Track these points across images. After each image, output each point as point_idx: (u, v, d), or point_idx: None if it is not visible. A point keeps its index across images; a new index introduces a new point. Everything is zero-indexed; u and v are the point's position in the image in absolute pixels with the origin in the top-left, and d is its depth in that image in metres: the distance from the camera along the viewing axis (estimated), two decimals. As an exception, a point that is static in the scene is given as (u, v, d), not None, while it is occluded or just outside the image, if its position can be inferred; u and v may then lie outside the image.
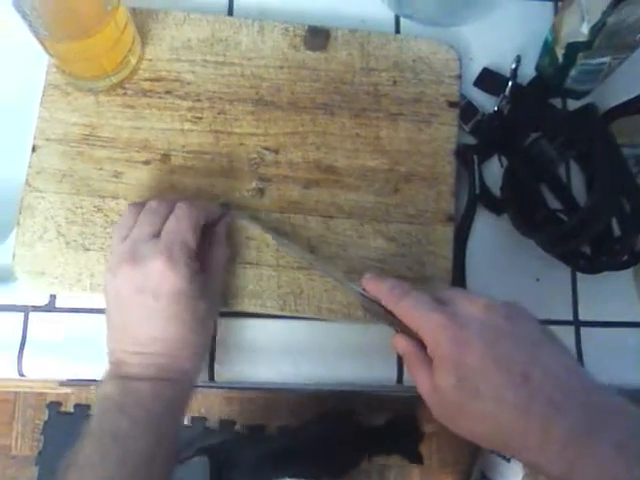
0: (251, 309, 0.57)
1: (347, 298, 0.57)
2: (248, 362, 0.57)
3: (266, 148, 0.59)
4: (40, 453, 1.42)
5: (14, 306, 0.58)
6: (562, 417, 0.39)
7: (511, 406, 0.40)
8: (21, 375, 0.57)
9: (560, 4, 0.66)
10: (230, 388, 1.33)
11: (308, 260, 0.56)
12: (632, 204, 0.54)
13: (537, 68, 0.65)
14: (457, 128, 0.61)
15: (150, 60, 0.61)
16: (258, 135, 0.60)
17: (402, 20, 0.66)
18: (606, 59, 0.57)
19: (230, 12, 0.65)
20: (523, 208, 0.59)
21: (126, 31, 0.56)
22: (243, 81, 0.61)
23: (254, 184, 0.59)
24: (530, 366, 0.41)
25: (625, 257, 0.56)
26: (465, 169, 0.61)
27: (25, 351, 0.57)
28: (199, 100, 0.60)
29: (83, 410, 1.41)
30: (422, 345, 0.45)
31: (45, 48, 0.55)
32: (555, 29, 0.59)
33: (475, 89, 0.64)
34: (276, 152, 0.59)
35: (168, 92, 0.60)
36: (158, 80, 0.61)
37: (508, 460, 1.33)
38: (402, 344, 0.47)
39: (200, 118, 0.60)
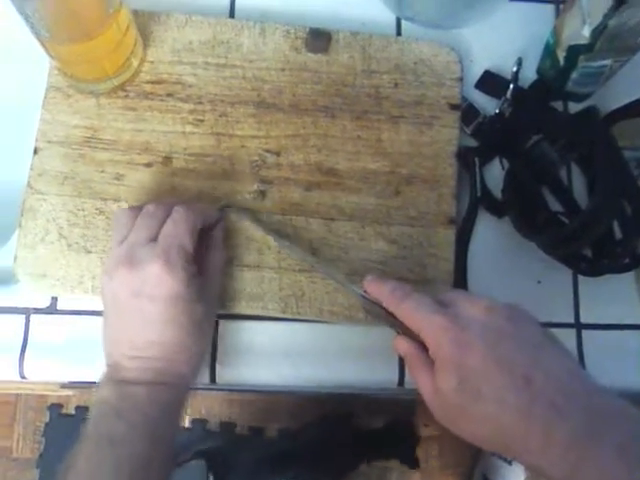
0: (252, 311, 0.57)
1: (348, 300, 0.57)
2: (249, 364, 0.57)
3: (267, 150, 0.59)
4: (41, 455, 1.42)
5: (15, 308, 0.58)
6: (564, 420, 0.39)
7: (513, 409, 0.40)
8: (22, 377, 0.57)
9: (561, 7, 0.66)
10: (231, 390, 1.33)
11: (310, 262, 0.56)
12: (633, 207, 0.54)
13: (538, 71, 0.65)
14: (458, 130, 0.61)
15: (152, 62, 0.61)
16: (259, 137, 0.60)
17: (403, 22, 0.66)
18: (607, 62, 0.57)
19: (232, 14, 0.65)
20: (524, 210, 0.59)
21: (128, 33, 0.56)
22: (244, 83, 0.61)
23: (255, 186, 0.59)
24: (532, 369, 0.41)
25: (626, 260, 0.56)
26: (466, 171, 0.61)
27: (26, 353, 0.57)
28: (200, 102, 0.60)
29: (84, 412, 1.41)
30: (424, 347, 0.45)
31: (47, 50, 0.55)
32: (556, 32, 0.59)
33: (476, 91, 0.64)
34: (277, 154, 0.59)
35: (170, 94, 0.60)
36: (160, 82, 0.61)
37: (509, 463, 1.33)
38: (404, 346, 0.47)
39: (202, 121, 0.60)
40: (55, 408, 1.44)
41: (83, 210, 0.58)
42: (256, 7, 0.65)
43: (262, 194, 0.59)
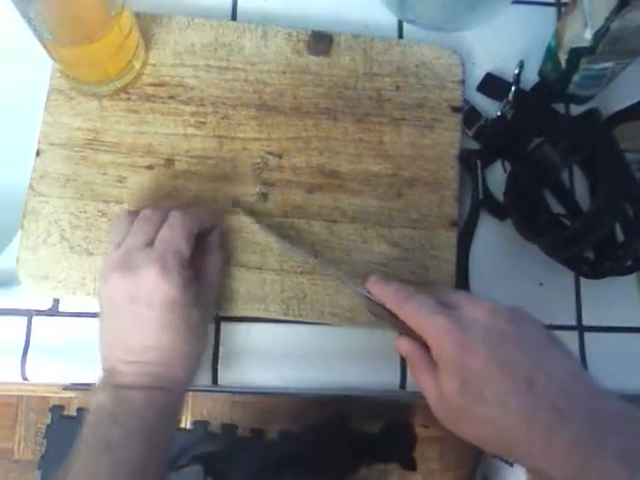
0: (254, 313, 0.57)
1: (350, 303, 0.57)
2: (251, 366, 0.57)
3: (269, 153, 0.60)
4: (43, 457, 1.42)
5: (18, 310, 0.58)
6: (566, 424, 0.39)
7: (515, 412, 0.40)
8: (24, 379, 0.57)
9: (563, 9, 0.66)
10: (232, 392, 1.33)
11: (313, 264, 0.56)
12: (635, 209, 0.54)
13: (540, 73, 0.65)
14: (460, 133, 0.61)
15: (154, 65, 0.61)
16: (261, 140, 0.60)
17: (405, 25, 0.66)
18: (609, 64, 0.57)
19: (234, 17, 0.65)
20: (526, 213, 0.59)
21: (130, 36, 0.56)
22: (246, 86, 0.61)
23: (258, 189, 0.59)
24: (535, 372, 0.41)
25: (629, 262, 0.56)
26: (468, 174, 0.61)
27: (28, 355, 0.57)
28: (202, 105, 0.60)
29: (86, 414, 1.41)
30: (426, 348, 0.45)
31: (49, 53, 0.55)
32: (558, 34, 0.59)
33: (478, 94, 0.64)
34: (279, 157, 0.60)
35: (172, 97, 0.60)
36: (162, 85, 0.61)
37: (511, 465, 1.33)
38: (406, 347, 0.47)
39: (203, 123, 0.60)
40: (57, 410, 1.44)
41: (85, 212, 0.58)
42: (258, 10, 0.65)
43: (264, 196, 0.59)
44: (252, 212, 0.58)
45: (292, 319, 0.57)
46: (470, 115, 0.62)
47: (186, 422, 1.43)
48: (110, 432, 0.47)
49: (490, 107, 0.63)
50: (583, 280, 0.61)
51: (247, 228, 0.58)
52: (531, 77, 0.64)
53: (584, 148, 0.60)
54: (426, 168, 0.60)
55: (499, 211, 0.61)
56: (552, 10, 0.68)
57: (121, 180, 0.58)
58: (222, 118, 0.60)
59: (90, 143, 0.59)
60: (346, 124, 0.61)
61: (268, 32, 0.62)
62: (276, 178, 0.59)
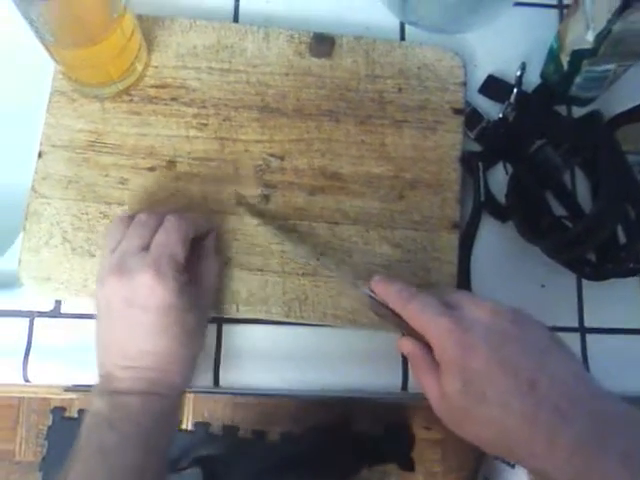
0: (256, 315, 0.57)
1: (352, 304, 0.57)
2: (253, 368, 0.57)
3: (271, 155, 0.60)
4: (44, 458, 1.43)
5: (19, 312, 0.58)
6: (569, 425, 0.39)
7: (517, 413, 0.40)
8: (26, 381, 0.57)
9: (565, 11, 0.66)
10: (234, 394, 1.33)
11: (315, 265, 0.56)
12: (637, 211, 0.54)
13: (542, 75, 0.65)
14: (462, 135, 0.61)
15: (156, 67, 0.61)
16: (263, 142, 0.60)
17: (407, 27, 0.66)
18: (611, 66, 0.57)
19: (236, 19, 0.65)
20: (528, 215, 0.59)
21: (132, 38, 0.56)
22: (248, 88, 0.61)
23: (259, 191, 0.59)
24: (537, 373, 0.41)
25: (631, 264, 0.56)
26: (470, 176, 0.61)
27: (30, 357, 0.57)
28: (204, 107, 0.60)
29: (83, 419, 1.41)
30: (429, 348, 0.45)
31: (51, 55, 0.55)
32: (560, 36, 0.60)
33: (480, 96, 0.64)
34: (281, 159, 0.60)
35: (174, 99, 0.60)
36: (164, 87, 0.61)
37: (512, 466, 1.33)
38: (408, 346, 0.47)
39: (205, 125, 0.60)
40: (58, 411, 1.44)
41: (87, 214, 0.58)
42: (260, 12, 0.65)
43: (266, 198, 0.59)
44: (255, 210, 0.58)
45: (294, 321, 0.57)
46: (472, 117, 0.62)
47: (187, 423, 1.43)
48: (107, 438, 0.47)
49: (492, 109, 0.63)
50: (585, 282, 0.61)
51: (249, 230, 0.58)
52: (533, 79, 0.64)
53: (586, 150, 0.60)
54: (428, 170, 0.60)
55: (501, 213, 0.61)
56: (554, 12, 0.68)
57: (123, 182, 0.58)
58: (224, 120, 0.60)
59: (92, 145, 0.59)
60: (348, 126, 0.61)
61: (270, 34, 0.62)
62: (278, 180, 0.59)
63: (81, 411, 1.43)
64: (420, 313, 0.45)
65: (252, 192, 0.59)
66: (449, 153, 0.61)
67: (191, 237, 0.52)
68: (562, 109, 0.65)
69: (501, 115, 0.62)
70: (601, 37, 0.54)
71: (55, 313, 0.58)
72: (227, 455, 1.38)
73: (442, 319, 0.44)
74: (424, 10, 0.64)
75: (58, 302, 0.58)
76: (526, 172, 0.59)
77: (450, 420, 0.44)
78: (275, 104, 0.61)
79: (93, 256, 0.57)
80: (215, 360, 0.57)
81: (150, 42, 0.61)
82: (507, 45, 0.66)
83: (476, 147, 0.62)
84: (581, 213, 0.60)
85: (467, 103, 0.63)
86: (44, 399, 1.45)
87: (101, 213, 0.58)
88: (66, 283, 0.56)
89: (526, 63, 0.61)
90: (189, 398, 1.44)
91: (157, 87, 0.61)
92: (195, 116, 0.60)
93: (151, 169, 0.59)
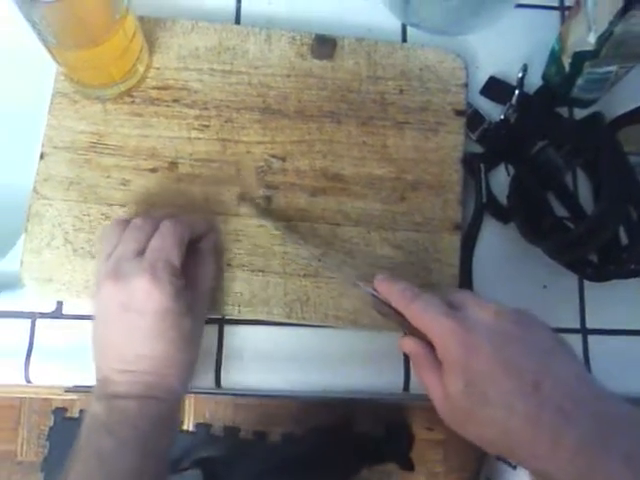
0: (258, 316, 0.57)
1: (354, 305, 0.57)
2: (254, 369, 0.57)
3: (273, 156, 0.60)
4: (45, 459, 1.43)
5: (21, 313, 0.58)
6: (572, 427, 0.39)
7: (520, 414, 0.40)
8: (28, 381, 0.57)
9: (567, 13, 0.66)
10: (235, 395, 1.33)
11: (317, 266, 0.56)
12: (639, 212, 0.54)
13: (544, 77, 0.65)
14: (464, 136, 0.61)
15: (158, 68, 0.61)
16: (265, 143, 0.60)
17: (409, 29, 0.66)
18: (613, 68, 0.57)
19: (237, 21, 0.65)
20: (530, 216, 0.59)
21: (134, 40, 0.56)
22: (250, 89, 0.61)
23: (261, 192, 0.59)
24: (541, 374, 0.41)
25: (632, 265, 0.56)
26: (472, 177, 0.61)
27: (32, 358, 0.57)
28: (206, 108, 0.60)
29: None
30: (431, 347, 0.45)
31: (53, 56, 0.55)
32: (562, 38, 0.60)
33: (482, 98, 0.64)
34: (283, 160, 0.60)
35: (175, 100, 0.60)
36: (166, 88, 0.61)
37: (514, 467, 1.33)
38: (411, 345, 0.47)
39: (207, 126, 0.60)
40: (59, 412, 1.44)
41: (89, 215, 0.58)
42: (262, 13, 0.65)
43: (267, 199, 0.59)
44: (259, 208, 0.58)
45: (295, 322, 0.57)
46: (474, 118, 0.62)
47: (188, 424, 1.43)
48: (105, 442, 0.47)
49: (493, 110, 0.63)
50: (587, 283, 0.61)
51: (250, 231, 0.58)
52: (535, 81, 0.64)
53: (588, 151, 0.60)
54: (430, 171, 0.60)
55: (503, 214, 0.61)
56: (556, 14, 0.68)
57: (125, 183, 0.59)
58: (226, 121, 0.60)
59: (94, 146, 0.59)
60: (350, 127, 0.61)
61: (272, 36, 0.62)
62: (280, 181, 0.59)
63: (82, 411, 1.43)
64: (423, 312, 0.45)
65: (254, 193, 0.59)
66: (451, 154, 0.61)
67: (187, 241, 0.52)
68: (564, 111, 0.65)
69: (503, 117, 0.62)
70: (603, 39, 0.54)
71: (57, 314, 0.58)
72: (228, 456, 1.38)
73: (445, 319, 0.44)
74: (426, 12, 0.64)
75: (60, 303, 0.58)
76: (528, 173, 0.59)
77: (452, 420, 0.44)
78: (277, 105, 0.61)
79: (94, 257, 0.57)
80: (217, 361, 0.57)
81: (152, 44, 0.61)
82: (509, 47, 0.66)
83: (478, 148, 0.62)
84: (583, 214, 0.60)
85: (469, 104, 0.63)
86: (45, 400, 1.45)
87: (103, 214, 0.58)
88: (68, 284, 0.56)
89: (528, 65, 0.61)
90: (190, 399, 1.44)
91: (159, 89, 0.61)
92: (197, 117, 0.60)
93: (153, 170, 0.59)
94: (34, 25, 0.50)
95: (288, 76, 0.62)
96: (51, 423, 1.44)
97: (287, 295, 0.57)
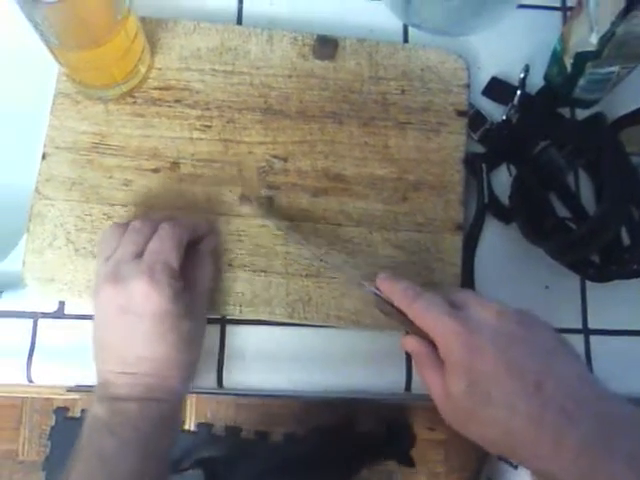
0: (260, 316, 0.57)
1: (356, 305, 0.57)
2: (256, 369, 0.57)
3: (275, 156, 0.60)
4: (47, 458, 1.43)
5: (23, 312, 0.58)
6: (574, 427, 0.39)
7: (523, 414, 0.40)
8: (30, 381, 0.57)
9: (569, 14, 0.66)
10: (237, 394, 1.33)
11: (318, 265, 0.56)
12: (641, 213, 0.55)
13: (545, 77, 0.65)
14: (466, 137, 0.61)
15: (159, 69, 0.61)
16: (267, 143, 0.60)
17: (410, 29, 0.66)
18: (615, 68, 0.57)
19: (239, 21, 0.66)
20: (532, 216, 0.59)
21: (136, 40, 0.56)
22: (252, 90, 0.61)
23: (263, 192, 0.59)
24: (543, 375, 0.41)
25: (634, 266, 0.56)
26: (474, 178, 0.61)
27: (34, 357, 0.57)
28: (208, 109, 0.60)
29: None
30: (433, 346, 0.45)
31: (55, 57, 0.55)
32: (564, 39, 0.59)
33: (484, 98, 0.64)
34: (285, 160, 0.60)
35: (177, 101, 0.61)
36: (167, 89, 0.61)
37: (515, 467, 1.33)
38: (413, 344, 0.47)
39: (209, 127, 0.60)
40: (61, 411, 1.45)
41: (91, 215, 0.58)
42: (264, 14, 0.65)
43: (269, 200, 0.59)
44: (260, 207, 0.58)
45: (297, 322, 0.57)
46: (475, 119, 0.62)
47: (190, 424, 1.43)
48: (106, 443, 0.47)
49: (495, 111, 0.63)
50: (589, 283, 0.61)
51: (252, 231, 0.58)
52: (536, 81, 0.64)
53: (590, 152, 0.60)
54: (431, 172, 0.60)
55: (504, 215, 0.61)
56: (557, 14, 0.68)
57: (127, 183, 0.59)
58: (228, 122, 0.60)
59: (96, 147, 0.59)
60: (351, 128, 0.61)
61: (274, 36, 0.62)
62: (281, 182, 0.59)
63: (84, 411, 1.43)
64: (426, 312, 0.45)
65: (255, 193, 0.59)
66: (452, 155, 0.61)
67: (185, 243, 0.52)
68: (565, 111, 0.65)
69: (504, 117, 0.62)
70: (605, 39, 0.54)
71: (59, 314, 0.58)
72: (230, 456, 1.38)
73: (448, 319, 0.44)
74: (427, 12, 0.64)
75: (62, 303, 0.58)
76: (530, 174, 0.59)
77: (454, 420, 0.44)
78: (278, 106, 0.61)
79: (96, 257, 0.57)
80: (218, 361, 0.57)
81: (153, 44, 0.61)
82: (510, 47, 0.66)
83: (480, 149, 0.62)
84: (585, 215, 0.60)
85: (470, 105, 0.63)
86: (47, 399, 1.45)
87: (105, 214, 0.58)
88: (70, 284, 0.56)
89: (529, 65, 0.61)
90: (191, 399, 1.44)
91: (161, 89, 0.61)
92: (199, 118, 0.60)
93: (155, 170, 0.59)
94: (36, 26, 0.50)
95: (290, 77, 0.62)
96: (53, 423, 1.44)
97: (289, 295, 0.57)
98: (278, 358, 0.58)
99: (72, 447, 0.48)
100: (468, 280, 0.59)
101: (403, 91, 0.62)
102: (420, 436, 1.45)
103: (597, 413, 0.40)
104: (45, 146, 0.59)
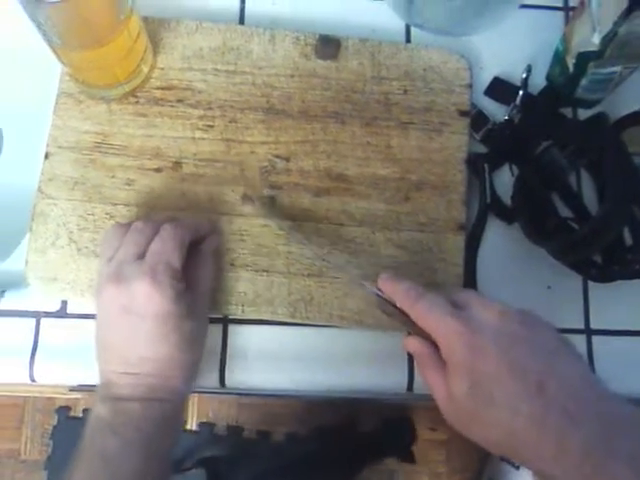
0: (262, 316, 0.57)
1: (358, 305, 0.57)
2: (258, 369, 0.57)
3: (277, 156, 0.60)
4: (49, 458, 1.43)
5: (26, 312, 0.58)
6: (576, 428, 0.39)
7: (526, 416, 0.40)
8: (32, 380, 0.57)
9: (571, 14, 0.66)
10: (239, 394, 1.34)
11: (320, 265, 0.56)
12: (644, 213, 0.55)
13: (548, 77, 0.65)
14: (468, 137, 0.61)
15: (162, 69, 0.61)
16: (269, 143, 0.60)
17: (413, 29, 0.66)
18: (617, 68, 0.57)
19: (241, 21, 0.66)
20: (534, 216, 0.59)
21: (139, 40, 0.56)
22: (254, 90, 0.61)
23: (265, 192, 0.59)
24: (545, 375, 0.41)
25: (637, 266, 0.56)
26: (476, 178, 0.61)
27: (37, 356, 0.57)
28: (210, 108, 0.61)
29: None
30: (435, 347, 0.45)
31: (58, 57, 0.55)
32: (566, 39, 0.59)
33: (486, 98, 0.64)
34: (287, 160, 0.60)
35: (180, 100, 0.61)
36: (170, 89, 0.61)
37: (517, 467, 1.33)
38: (415, 345, 0.47)
39: (211, 126, 0.60)
40: (63, 411, 1.45)
41: (93, 215, 0.58)
42: (266, 14, 0.65)
43: (272, 200, 0.59)
44: (262, 207, 0.58)
45: (299, 322, 0.57)
46: (478, 119, 0.62)
47: (192, 424, 1.43)
48: (109, 443, 0.47)
49: (498, 111, 0.63)
50: (591, 283, 0.60)
51: (255, 231, 0.58)
52: (539, 81, 0.64)
53: (592, 152, 0.60)
54: (434, 172, 0.60)
55: (507, 215, 0.61)
56: (560, 14, 0.68)
57: (129, 183, 0.59)
58: (230, 122, 0.60)
59: (98, 146, 0.59)
60: (354, 128, 0.61)
61: (276, 36, 0.62)
62: (284, 181, 0.59)
63: (86, 410, 1.43)
64: (428, 312, 0.45)
65: (258, 193, 0.59)
66: (455, 155, 0.61)
67: (187, 243, 0.53)
68: (568, 111, 0.65)
69: (507, 117, 0.62)
70: (607, 39, 0.54)
71: (61, 313, 0.58)
72: (232, 456, 1.38)
73: (450, 319, 0.43)
74: (430, 12, 0.64)
75: (64, 302, 0.59)
76: (532, 174, 0.59)
77: (457, 421, 0.44)
78: (281, 106, 0.61)
79: (99, 257, 0.57)
80: (221, 361, 0.57)
81: (156, 44, 0.61)
82: (513, 47, 0.66)
83: (482, 149, 0.62)
84: (587, 215, 0.60)
85: (473, 105, 0.63)
86: (49, 399, 1.45)
87: (107, 214, 0.58)
88: (72, 283, 0.57)
89: (532, 65, 0.61)
90: (193, 398, 1.44)
91: (163, 89, 0.61)
92: (201, 118, 0.60)
93: (157, 170, 0.59)
94: (39, 26, 0.50)
95: (292, 76, 0.62)
96: (55, 422, 1.44)
97: (291, 295, 0.57)
98: (280, 358, 0.58)
99: (74, 447, 0.48)
100: (470, 280, 0.59)
101: (405, 91, 0.62)
102: (422, 436, 1.45)
103: (599, 414, 0.40)
104: (48, 145, 0.59)
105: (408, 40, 0.66)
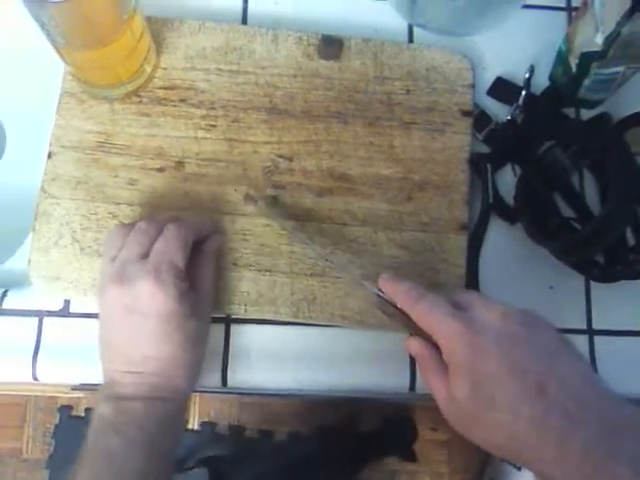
0: (264, 316, 0.57)
1: (360, 305, 0.57)
2: (261, 368, 0.57)
3: (280, 156, 0.60)
4: (51, 457, 1.43)
5: (29, 311, 0.58)
6: (578, 431, 0.39)
7: (527, 418, 0.40)
8: (35, 379, 0.57)
9: (574, 14, 0.66)
10: (241, 393, 1.34)
11: (324, 265, 0.56)
12: (646, 213, 0.55)
13: (551, 77, 0.64)
14: (470, 137, 0.61)
15: (165, 69, 0.61)
16: (272, 143, 0.60)
17: (415, 29, 0.66)
18: (620, 69, 0.57)
19: (244, 21, 0.66)
20: (536, 217, 0.59)
21: (142, 40, 0.56)
22: (257, 90, 0.61)
23: (268, 192, 0.59)
24: (546, 376, 0.41)
25: (639, 266, 0.56)
26: (478, 178, 0.61)
27: (39, 355, 0.57)
28: (213, 108, 0.61)
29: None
30: (437, 348, 0.45)
31: (61, 56, 0.55)
32: (569, 39, 0.59)
33: (488, 98, 0.64)
34: (290, 160, 0.60)
35: (182, 100, 0.61)
36: (173, 88, 0.61)
37: (519, 468, 1.33)
38: (416, 347, 0.47)
39: (214, 126, 0.60)
40: (65, 410, 1.45)
41: (96, 214, 0.58)
42: (269, 14, 0.65)
43: (274, 199, 0.59)
44: (265, 207, 0.58)
45: (302, 321, 0.57)
46: (480, 119, 0.62)
47: (193, 423, 1.43)
48: (112, 442, 0.47)
49: (500, 111, 0.63)
50: (593, 283, 0.60)
51: (257, 231, 0.58)
52: (541, 81, 0.64)
53: (595, 152, 0.60)
54: (436, 172, 0.60)
55: (509, 215, 0.61)
56: (563, 14, 0.68)
57: (132, 182, 0.59)
58: (233, 121, 0.60)
59: (101, 146, 0.59)
60: (356, 128, 0.61)
61: (279, 36, 0.62)
62: (286, 181, 0.59)
63: (88, 410, 1.43)
64: (429, 313, 0.45)
65: (260, 193, 0.59)
66: (457, 155, 0.61)
67: (191, 243, 0.53)
68: (570, 111, 0.65)
69: (509, 117, 0.62)
70: (610, 40, 0.54)
71: (64, 312, 0.58)
72: (233, 455, 1.38)
73: (452, 320, 0.43)
74: (432, 12, 0.64)
75: (67, 301, 0.59)
76: (534, 174, 0.59)
77: (458, 423, 0.44)
78: (283, 106, 0.61)
79: (102, 256, 0.57)
80: (223, 360, 0.57)
81: (159, 44, 0.62)
82: (515, 47, 0.66)
83: (484, 149, 0.62)
84: (590, 215, 0.60)
85: (475, 105, 0.63)
86: (51, 398, 1.45)
87: (110, 213, 0.58)
88: (75, 282, 0.57)
89: (534, 65, 0.61)
90: (195, 398, 1.44)
91: (166, 89, 0.61)
92: (204, 117, 0.60)
93: (160, 170, 0.59)
94: (42, 25, 0.50)
95: (295, 76, 0.62)
96: (57, 421, 1.45)
97: (294, 294, 0.57)
98: (283, 357, 0.58)
99: (76, 446, 0.48)
100: (473, 280, 0.59)
101: (408, 91, 0.62)
102: (423, 436, 1.45)
103: (599, 415, 0.40)
104: (51, 145, 0.59)
105: (411, 40, 0.66)
